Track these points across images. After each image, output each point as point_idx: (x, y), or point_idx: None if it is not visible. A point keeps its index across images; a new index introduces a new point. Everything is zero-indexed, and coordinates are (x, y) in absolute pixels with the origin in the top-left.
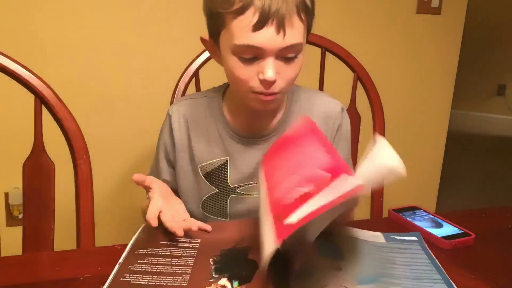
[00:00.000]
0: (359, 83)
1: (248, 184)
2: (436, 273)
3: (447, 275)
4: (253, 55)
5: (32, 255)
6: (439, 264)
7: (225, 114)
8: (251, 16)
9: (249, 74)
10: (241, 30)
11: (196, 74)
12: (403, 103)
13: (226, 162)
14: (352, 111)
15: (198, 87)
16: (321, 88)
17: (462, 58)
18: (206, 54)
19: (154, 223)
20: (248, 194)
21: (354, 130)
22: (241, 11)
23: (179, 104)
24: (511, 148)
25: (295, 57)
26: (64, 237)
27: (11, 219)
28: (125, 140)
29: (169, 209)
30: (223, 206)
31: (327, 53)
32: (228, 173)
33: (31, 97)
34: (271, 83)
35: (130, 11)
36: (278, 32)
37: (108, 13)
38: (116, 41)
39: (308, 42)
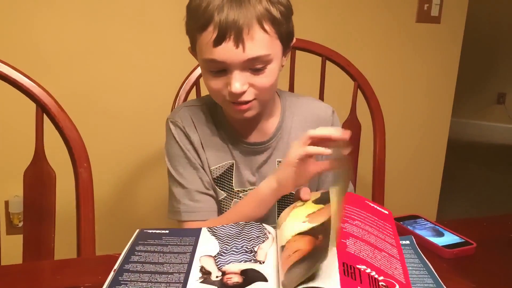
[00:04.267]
0: (359, 92)
1: (250, 189)
2: (428, 277)
3: (439, 279)
4: (219, 68)
5: (33, 263)
6: (432, 268)
7: (226, 121)
8: (211, 32)
9: (219, 85)
10: (205, 45)
11: (196, 83)
12: (403, 112)
13: (232, 166)
14: (353, 120)
15: (198, 96)
16: (321, 96)
17: (462, 67)
18: None
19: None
20: None
21: (355, 138)
22: (203, 27)
23: (181, 110)
24: (511, 157)
25: (264, 67)
26: (64, 246)
27: (11, 228)
28: (126, 148)
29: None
30: (226, 211)
31: (327, 61)
32: (233, 177)
33: (32, 106)
34: (239, 94)
35: (130, 21)
36: (237, 46)
37: (109, 22)
38: (117, 50)
39: (309, 51)
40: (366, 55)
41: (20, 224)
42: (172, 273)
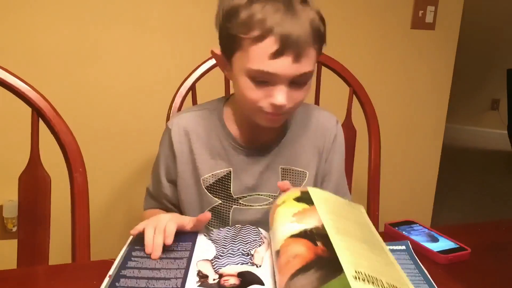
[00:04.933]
0: (354, 97)
1: (251, 195)
2: (424, 282)
3: (434, 285)
4: (266, 79)
5: (27, 269)
6: (427, 274)
7: (227, 126)
8: (270, 44)
9: (260, 96)
10: (259, 56)
11: (193, 88)
12: (398, 117)
13: (229, 173)
14: (348, 125)
15: (194, 101)
16: (317, 102)
17: (456, 73)
18: (203, 68)
19: (132, 233)
20: (250, 206)
21: (350, 144)
22: (261, 38)
23: (178, 117)
24: (505, 162)
25: (305, 82)
26: (59, 251)
27: (4, 232)
28: (122, 153)
29: (151, 224)
30: (225, 218)
31: (323, 67)
32: (231, 184)
33: (27, 110)
34: (281, 107)
35: (127, 25)
36: (295, 61)
37: (105, 27)
38: (113, 55)
39: None
40: (362, 60)
41: (14, 229)
42: (169, 279)
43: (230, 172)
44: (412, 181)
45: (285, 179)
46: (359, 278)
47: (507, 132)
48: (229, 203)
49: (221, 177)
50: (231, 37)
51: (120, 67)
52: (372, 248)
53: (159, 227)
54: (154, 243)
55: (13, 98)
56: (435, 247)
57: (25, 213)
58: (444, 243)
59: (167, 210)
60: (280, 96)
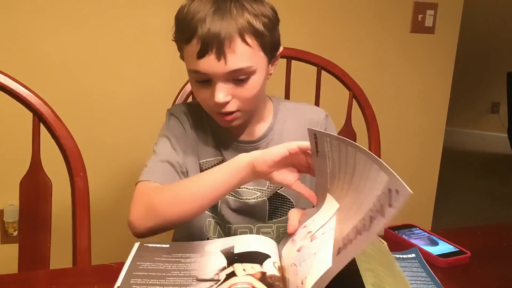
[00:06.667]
0: (354, 101)
1: (239, 188)
2: None
3: None
4: (204, 79)
5: (28, 273)
6: (439, 281)
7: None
8: (195, 45)
9: (205, 96)
10: (190, 57)
11: (193, 93)
12: (398, 121)
13: (220, 163)
14: (348, 129)
15: None
16: (316, 105)
17: (456, 76)
18: None
19: None
20: (237, 198)
21: None
22: (188, 40)
23: (178, 105)
24: (506, 165)
25: (247, 78)
26: (60, 255)
27: (5, 237)
28: (123, 157)
29: None
30: (216, 206)
31: (323, 71)
32: None
33: (29, 115)
34: (222, 105)
35: (128, 29)
36: (218, 59)
37: (106, 30)
38: (114, 59)
39: (304, 60)
40: (361, 64)
41: (15, 233)
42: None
43: (222, 161)
44: (412, 184)
45: None
46: None
47: (507, 135)
48: None
49: (213, 165)
50: (177, 43)
51: (121, 72)
52: (394, 275)
53: None
54: None
55: (14, 103)
56: (434, 250)
57: (26, 217)
58: (443, 247)
59: None
60: (219, 93)
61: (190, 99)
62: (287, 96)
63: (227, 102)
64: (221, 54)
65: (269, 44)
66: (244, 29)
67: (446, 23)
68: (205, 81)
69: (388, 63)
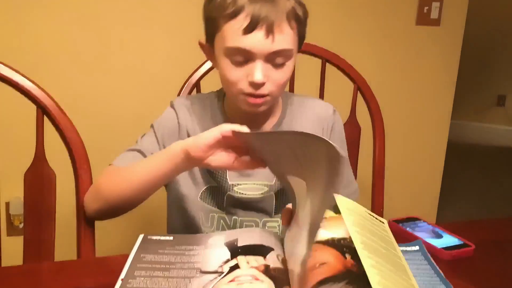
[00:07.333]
0: (359, 94)
1: (246, 184)
2: (440, 283)
3: (450, 285)
4: (243, 58)
5: (33, 265)
6: (442, 274)
7: (225, 116)
8: (242, 20)
9: (239, 76)
10: (233, 33)
11: (197, 85)
12: (403, 114)
13: None
14: (353, 122)
15: None
16: (321, 98)
17: (462, 69)
18: (208, 65)
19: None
20: (243, 194)
21: (355, 141)
22: (233, 15)
23: (182, 98)
24: (511, 159)
25: (284, 63)
26: (64, 247)
27: (12, 229)
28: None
29: None
30: (221, 200)
31: (327, 64)
32: (226, 170)
33: (33, 107)
34: (259, 85)
35: (132, 22)
36: (267, 36)
37: (110, 24)
38: (118, 52)
39: (309, 53)
40: (366, 57)
41: (21, 226)
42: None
43: None
44: (417, 177)
45: None
46: None
47: None
48: (224, 188)
49: None
50: (210, 20)
51: (125, 65)
52: (396, 269)
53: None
54: None
55: (18, 96)
56: (439, 243)
57: (30, 209)
58: (448, 240)
59: None
60: (257, 72)
61: (194, 92)
62: (291, 89)
63: (263, 84)
64: (270, 32)
65: (303, 33)
66: (291, 12)
67: (452, 15)
68: (242, 61)
69: (394, 56)
